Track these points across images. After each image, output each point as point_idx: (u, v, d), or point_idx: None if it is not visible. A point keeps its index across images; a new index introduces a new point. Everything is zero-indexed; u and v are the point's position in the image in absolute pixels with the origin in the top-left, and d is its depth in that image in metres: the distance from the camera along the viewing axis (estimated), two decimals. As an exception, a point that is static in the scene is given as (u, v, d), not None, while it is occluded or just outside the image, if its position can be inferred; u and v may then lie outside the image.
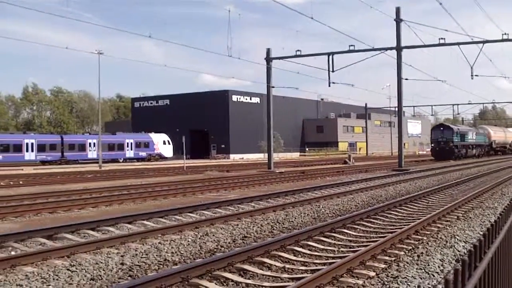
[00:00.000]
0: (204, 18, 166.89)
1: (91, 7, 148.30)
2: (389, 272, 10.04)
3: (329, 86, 46.20)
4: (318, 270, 9.82)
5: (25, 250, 12.29)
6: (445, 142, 73.79)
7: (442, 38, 42.97)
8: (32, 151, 74.66)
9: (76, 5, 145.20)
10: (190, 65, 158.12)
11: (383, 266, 10.49)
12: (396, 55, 45.40)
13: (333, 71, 45.26)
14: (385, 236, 13.19)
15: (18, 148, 73.38)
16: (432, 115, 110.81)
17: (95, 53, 59.55)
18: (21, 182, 35.78)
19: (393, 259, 11.09)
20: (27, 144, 74.35)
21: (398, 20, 44.25)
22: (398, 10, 44.37)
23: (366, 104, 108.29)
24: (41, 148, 75.77)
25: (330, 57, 45.25)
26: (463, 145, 77.23)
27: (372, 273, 9.92)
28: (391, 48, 45.43)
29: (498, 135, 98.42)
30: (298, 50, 45.99)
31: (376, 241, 12.63)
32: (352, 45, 44.68)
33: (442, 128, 76.40)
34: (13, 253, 12.13)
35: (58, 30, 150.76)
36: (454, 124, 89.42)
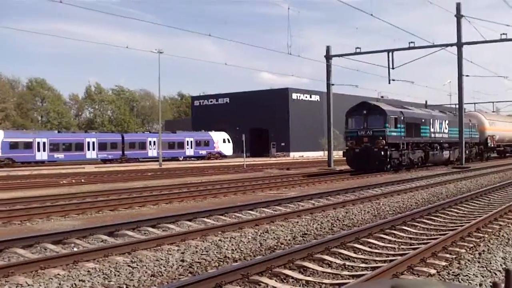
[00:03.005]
0: (263, 16, 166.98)
1: (150, 7, 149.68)
2: (450, 270, 9.99)
3: (389, 83, 45.97)
4: (378, 267, 9.84)
5: (87, 247, 12.54)
6: (371, 139, 39.76)
7: (503, 34, 42.33)
8: (94, 149, 75.67)
9: (135, 5, 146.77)
10: (249, 63, 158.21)
11: (444, 263, 10.43)
12: (456, 51, 44.87)
13: (393, 68, 45.00)
14: (446, 234, 13.11)
15: (80, 147, 74.51)
16: (493, 112, 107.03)
17: (155, 52, 60.13)
18: (83, 180, 36.39)
19: (454, 256, 11.02)
20: (88, 143, 75.46)
21: (458, 16, 43.78)
22: (458, 6, 43.86)
23: (426, 102, 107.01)
24: (102, 146, 76.81)
25: (390, 54, 44.98)
26: (415, 144, 43.62)
27: (433, 271, 9.89)
28: (451, 45, 44.96)
29: (498, 127, 65.10)
30: (357, 48, 45.86)
31: (437, 238, 12.57)
32: (412, 42, 44.40)
33: (365, 111, 40.71)
34: (75, 249, 12.41)
35: (117, 30, 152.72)
36: (398, 106, 46.71)
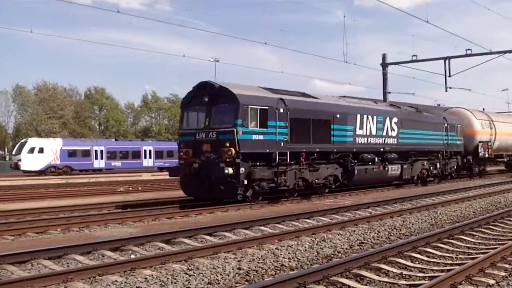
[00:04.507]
0: (318, 24, 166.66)
1: (205, 15, 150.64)
2: (510, 281, 9.82)
3: (446, 91, 45.30)
4: (436, 277, 9.73)
5: (144, 254, 12.65)
6: (214, 146, 22.91)
7: None
8: (150, 157, 76.23)
9: (189, 14, 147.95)
10: (304, 71, 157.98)
11: (503, 274, 10.25)
12: (515, 58, 44.07)
13: (450, 75, 44.49)
14: (505, 243, 12.91)
15: (137, 155, 75.08)
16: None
17: (211, 60, 60.48)
18: (139, 188, 36.73)
19: (513, 267, 10.83)
20: (145, 151, 76.11)
21: (517, 22, 42.85)
22: (517, 11, 42.88)
23: (483, 109, 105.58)
24: (158, 154, 77.21)
25: (447, 61, 44.48)
26: (320, 154, 27.00)
27: (491, 281, 9.73)
28: (510, 51, 44.19)
29: (498, 130, 46.76)
30: (414, 55, 45.43)
31: (496, 248, 12.38)
32: (468, 49, 43.76)
33: (206, 99, 23.58)
34: (133, 256, 12.53)
35: (173, 38, 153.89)
36: (281, 91, 26.02)
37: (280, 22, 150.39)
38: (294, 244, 13.75)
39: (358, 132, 29.46)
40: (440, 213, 19.96)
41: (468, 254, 12.50)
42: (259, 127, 23.43)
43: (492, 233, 15.50)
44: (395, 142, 32.65)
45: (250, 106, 23.12)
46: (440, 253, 12.54)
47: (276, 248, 13.16)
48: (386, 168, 31.56)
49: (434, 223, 18.04)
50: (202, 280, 10.19)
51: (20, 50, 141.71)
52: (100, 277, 10.24)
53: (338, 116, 27.96)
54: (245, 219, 17.82)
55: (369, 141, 30.39)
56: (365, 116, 30.11)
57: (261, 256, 12.31)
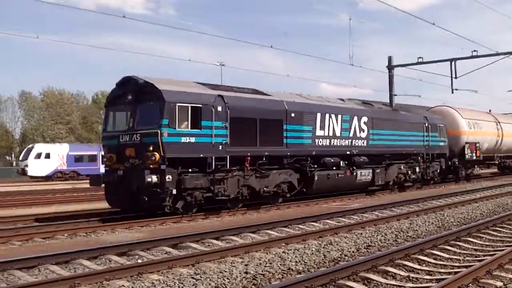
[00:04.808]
0: (323, 27, 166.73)
1: (210, 19, 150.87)
2: (517, 282, 9.82)
3: (452, 92, 45.18)
4: (443, 279, 9.72)
5: (151, 258, 12.67)
6: (138, 150, 20.06)
7: None
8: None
9: (194, 18, 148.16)
10: (310, 74, 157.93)
11: (511, 276, 10.22)
12: (522, 59, 43.96)
13: (456, 77, 44.40)
14: (512, 245, 12.88)
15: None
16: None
17: (217, 65, 60.50)
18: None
19: (521, 268, 10.80)
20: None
21: (523, 22, 42.78)
22: (523, 12, 42.77)
23: (490, 110, 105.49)
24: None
25: (453, 63, 44.42)
26: (269, 158, 23.74)
27: (499, 283, 9.71)
28: (516, 52, 44.04)
29: (487, 130, 44.61)
30: (419, 57, 45.36)
31: (503, 250, 12.36)
32: (474, 51, 43.67)
33: (131, 96, 20.91)
34: (139, 261, 12.53)
35: (178, 43, 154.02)
36: (221, 87, 23.81)
37: (285, 26, 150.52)
38: (301, 247, 13.74)
39: (318, 133, 26.27)
40: (447, 215, 19.93)
41: (476, 256, 12.47)
42: (191, 128, 20.49)
43: (500, 235, 15.48)
44: (365, 144, 29.49)
45: (179, 104, 20.16)
46: (447, 256, 12.52)
47: (283, 252, 13.16)
48: (354, 173, 28.30)
49: (441, 225, 18.01)
50: (209, 284, 10.19)
51: (25, 55, 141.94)
52: (107, 282, 10.25)
53: (292, 115, 24.78)
54: (252, 223, 17.80)
55: (332, 143, 27.17)
56: (327, 115, 26.90)
57: (268, 259, 12.30)
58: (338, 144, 27.55)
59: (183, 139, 20.20)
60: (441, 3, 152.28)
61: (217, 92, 21.89)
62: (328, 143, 26.85)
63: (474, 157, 40.97)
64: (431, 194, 28.86)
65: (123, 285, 10.08)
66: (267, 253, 13.06)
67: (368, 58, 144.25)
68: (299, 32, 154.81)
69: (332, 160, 26.62)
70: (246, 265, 11.77)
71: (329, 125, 26.96)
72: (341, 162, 27.26)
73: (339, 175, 27.16)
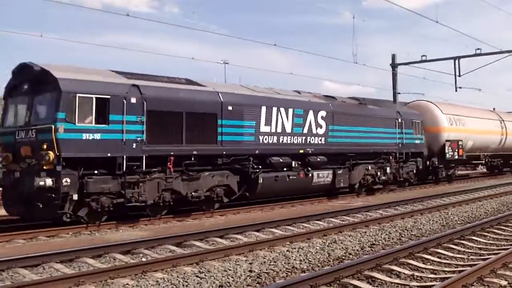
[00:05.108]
0: (326, 25, 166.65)
1: (213, 18, 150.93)
2: (522, 281, 9.80)
3: (456, 91, 45.05)
4: (447, 278, 9.71)
5: (155, 257, 12.65)
6: (34, 148, 17.04)
7: None
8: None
9: (198, 16, 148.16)
10: (314, 72, 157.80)
11: (515, 274, 10.24)
12: (525, 57, 43.85)
13: (459, 75, 44.34)
14: (517, 244, 12.87)
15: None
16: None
17: (220, 63, 60.40)
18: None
19: (525, 267, 10.78)
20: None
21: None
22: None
23: (494, 109, 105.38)
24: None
25: (457, 61, 44.36)
26: (199, 158, 20.56)
27: (503, 282, 9.70)
28: (519, 50, 43.95)
29: (470, 127, 40.08)
30: (423, 55, 45.32)
31: (507, 248, 12.35)
32: (478, 49, 43.61)
33: (27, 86, 18.10)
34: (144, 259, 12.53)
35: (182, 41, 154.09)
36: (136, 75, 19.75)
37: (289, 24, 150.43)
38: (305, 246, 13.75)
39: (263, 129, 22.89)
40: (451, 214, 19.92)
41: (480, 255, 12.47)
42: (95, 123, 17.49)
43: (504, 233, 15.47)
44: (323, 142, 25.97)
45: (80, 95, 17.18)
46: (451, 254, 12.52)
47: (287, 250, 13.16)
48: (310, 175, 24.99)
49: (445, 224, 18.01)
50: (214, 282, 10.19)
51: (30, 54, 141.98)
52: (112, 280, 10.26)
53: (230, 108, 21.45)
54: (256, 221, 17.80)
55: (281, 141, 23.73)
56: (274, 109, 23.50)
57: (272, 258, 12.31)
58: (289, 142, 24.20)
59: (85, 136, 17.22)
60: (445, 1, 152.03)
61: (131, 81, 18.77)
62: (275, 141, 23.46)
63: (456, 156, 37.09)
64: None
65: (127, 284, 10.09)
66: (271, 252, 13.06)
67: (372, 56, 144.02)
68: (303, 30, 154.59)
69: (281, 160, 23.42)
70: (250, 263, 11.78)
71: (277, 120, 23.59)
72: (293, 163, 24.07)
73: (290, 177, 23.87)
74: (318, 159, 25.41)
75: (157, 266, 11.27)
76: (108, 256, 12.64)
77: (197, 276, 10.56)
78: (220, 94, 21.43)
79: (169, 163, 19.28)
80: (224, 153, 21.29)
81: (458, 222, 18.41)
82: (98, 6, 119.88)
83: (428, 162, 35.42)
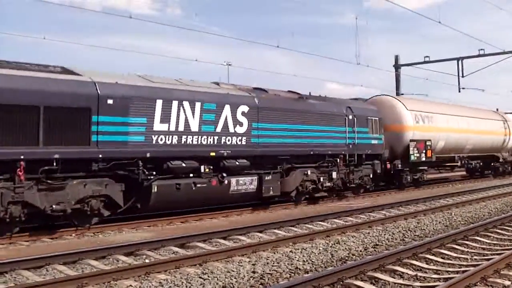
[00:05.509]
0: (329, 26, 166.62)
1: (216, 20, 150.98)
2: (525, 281, 9.78)
3: (459, 91, 45.15)
4: (451, 278, 9.70)
5: (159, 258, 12.66)
6: None
7: None
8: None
9: (200, 18, 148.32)
10: (316, 73, 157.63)
11: (519, 274, 10.23)
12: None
13: (463, 76, 44.36)
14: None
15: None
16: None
17: (223, 64, 60.39)
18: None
19: (529, 267, 10.76)
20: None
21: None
22: (529, 10, 42.49)
23: (497, 109, 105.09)
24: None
25: (460, 62, 44.37)
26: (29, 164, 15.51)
27: (507, 282, 9.70)
28: (523, 51, 43.94)
29: (443, 126, 35.14)
30: (426, 56, 45.35)
31: (511, 249, 12.34)
32: (481, 49, 43.61)
33: None
34: (147, 260, 12.53)
35: (185, 43, 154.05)
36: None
37: (291, 25, 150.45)
38: (309, 246, 13.74)
39: (159, 127, 18.73)
40: (454, 214, 19.90)
41: (483, 255, 12.45)
42: None
43: (508, 234, 15.46)
44: (244, 143, 21.57)
45: None
46: (455, 255, 12.51)
47: (291, 251, 13.15)
48: (226, 182, 20.73)
49: (448, 224, 17.99)
50: (217, 284, 10.20)
51: (32, 56, 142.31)
52: (115, 282, 10.26)
53: (110, 102, 17.48)
54: (259, 222, 17.79)
55: (184, 142, 19.51)
56: (174, 103, 19.28)
57: (276, 259, 12.30)
58: (196, 142, 19.89)
59: None
60: (447, 1, 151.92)
61: None
62: (176, 142, 19.25)
63: (423, 158, 32.33)
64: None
65: (130, 285, 10.09)
66: (274, 253, 13.06)
67: (375, 57, 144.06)
68: (305, 31, 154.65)
69: (183, 164, 19.31)
70: (253, 264, 11.78)
71: (178, 116, 19.34)
72: (203, 167, 19.98)
73: (198, 185, 19.70)
74: (237, 163, 21.20)
75: (160, 268, 11.27)
76: (111, 257, 12.63)
77: (200, 277, 10.55)
78: (97, 85, 17.30)
79: (18, 170, 15.31)
80: (101, 156, 17.21)
81: (462, 222, 18.38)
82: (99, 8, 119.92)
83: (389, 165, 30.86)
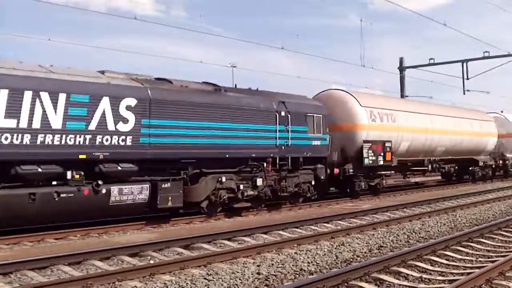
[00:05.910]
0: (333, 28, 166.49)
1: (220, 21, 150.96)
2: (531, 283, 9.76)
3: (464, 94, 45.15)
4: (456, 280, 9.69)
5: (163, 259, 12.68)
6: None
7: None
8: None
9: (205, 20, 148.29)
10: (321, 75, 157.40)
11: (524, 277, 10.20)
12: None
13: (467, 78, 44.35)
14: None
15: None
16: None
17: (228, 66, 60.34)
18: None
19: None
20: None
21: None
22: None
23: (502, 111, 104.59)
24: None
25: (465, 64, 44.36)
26: None
27: (512, 284, 9.70)
28: (528, 53, 43.90)
29: (404, 124, 30.30)
30: (431, 58, 45.34)
31: (516, 251, 12.33)
32: (486, 51, 43.59)
33: None
34: (152, 261, 12.53)
35: (190, 44, 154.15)
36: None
37: (296, 27, 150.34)
38: (313, 248, 13.74)
39: (3, 123, 14.78)
40: (459, 216, 19.86)
41: (488, 257, 12.44)
42: None
43: (512, 236, 15.43)
44: (131, 143, 17.65)
45: None
46: (459, 256, 12.49)
47: (295, 253, 13.15)
48: (103, 191, 16.88)
49: (453, 226, 17.96)
50: (222, 285, 10.19)
51: (37, 58, 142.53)
52: (120, 283, 10.27)
53: None
54: (264, 223, 17.78)
55: (41, 141, 15.52)
56: (27, 94, 15.29)
57: (280, 260, 12.30)
58: (59, 143, 15.93)
59: None
60: (452, 3, 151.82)
61: None
62: (29, 142, 15.28)
63: (381, 162, 28.06)
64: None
65: (135, 286, 10.10)
66: (279, 254, 13.06)
67: (380, 59, 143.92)
68: (310, 33, 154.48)
69: (39, 170, 15.53)
70: (258, 265, 11.77)
71: (32, 110, 15.39)
72: (70, 173, 16.20)
73: (63, 195, 15.90)
74: (120, 168, 17.41)
75: (165, 269, 11.28)
76: (116, 258, 12.65)
77: (205, 279, 10.55)
78: None
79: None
80: None
81: (466, 224, 18.35)
82: (104, 10, 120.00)
83: (338, 170, 26.58)
